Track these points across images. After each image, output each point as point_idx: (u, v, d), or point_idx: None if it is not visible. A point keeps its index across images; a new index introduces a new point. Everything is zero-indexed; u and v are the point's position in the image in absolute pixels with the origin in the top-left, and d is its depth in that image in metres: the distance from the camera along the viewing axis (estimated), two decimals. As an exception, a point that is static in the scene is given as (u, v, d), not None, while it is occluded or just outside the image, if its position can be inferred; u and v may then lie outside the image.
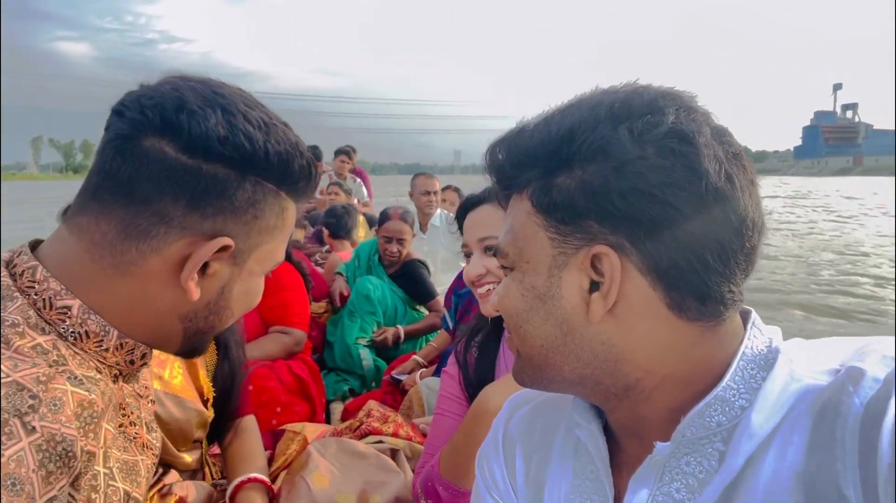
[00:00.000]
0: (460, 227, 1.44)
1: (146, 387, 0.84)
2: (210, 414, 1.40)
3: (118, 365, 0.71)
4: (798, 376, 0.57)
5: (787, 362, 0.58)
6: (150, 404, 0.85)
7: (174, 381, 1.30)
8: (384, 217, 3.31)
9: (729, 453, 0.57)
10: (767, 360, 0.59)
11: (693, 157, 0.56)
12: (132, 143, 0.66)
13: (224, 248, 0.69)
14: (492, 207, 1.33)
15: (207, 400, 1.40)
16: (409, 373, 2.72)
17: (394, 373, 2.77)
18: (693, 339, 0.59)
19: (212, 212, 0.68)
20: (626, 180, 0.56)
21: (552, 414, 0.77)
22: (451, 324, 2.80)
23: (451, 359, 1.46)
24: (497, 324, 1.41)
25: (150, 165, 0.65)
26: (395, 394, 2.61)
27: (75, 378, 0.64)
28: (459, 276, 2.84)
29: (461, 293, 2.74)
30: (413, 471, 1.52)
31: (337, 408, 2.81)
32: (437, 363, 2.73)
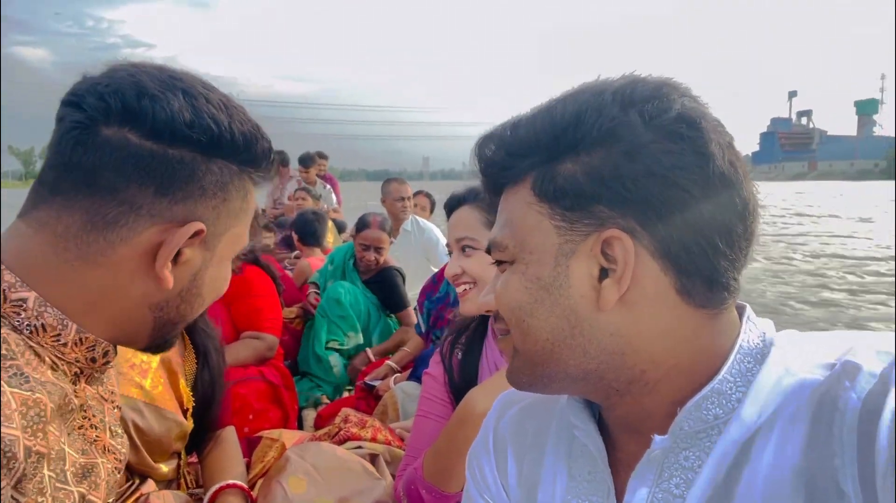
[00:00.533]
0: None
1: (112, 392, 0.82)
2: (190, 425, 1.37)
3: (78, 362, 0.69)
4: (793, 370, 0.57)
5: (781, 355, 0.58)
6: (115, 409, 0.82)
7: (155, 391, 1.27)
8: (363, 224, 3.28)
9: (719, 441, 0.57)
10: (762, 353, 0.59)
11: (700, 141, 0.56)
12: (92, 131, 0.64)
13: (196, 234, 0.68)
14: (469, 208, 1.36)
15: (187, 410, 1.37)
16: (383, 378, 2.71)
17: (367, 378, 2.76)
18: (697, 327, 0.59)
19: (181, 196, 0.67)
20: (638, 163, 0.55)
21: (543, 414, 0.76)
22: (423, 329, 2.81)
23: (434, 360, 1.46)
24: (481, 326, 1.42)
25: (113, 154, 0.64)
26: (369, 400, 2.60)
27: (21, 375, 0.61)
28: (430, 281, 2.85)
29: (434, 298, 2.75)
30: (393, 475, 1.52)
31: (309, 415, 2.79)
32: (410, 368, 2.73)
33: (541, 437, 0.75)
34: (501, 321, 0.67)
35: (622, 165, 0.56)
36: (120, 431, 0.82)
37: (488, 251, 0.68)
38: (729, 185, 0.57)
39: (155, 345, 0.76)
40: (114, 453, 0.79)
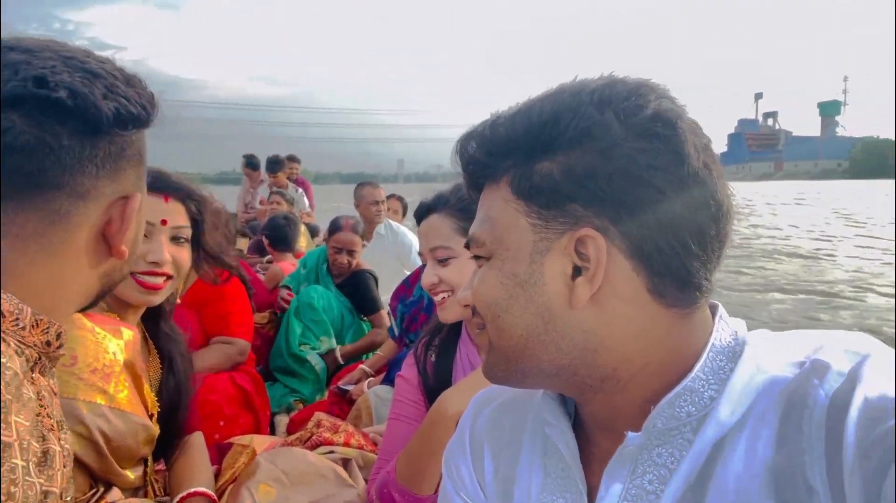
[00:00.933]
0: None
1: (56, 386, 0.83)
2: (157, 429, 1.35)
3: (36, 346, 0.70)
4: (764, 368, 0.58)
5: (753, 353, 0.60)
6: (59, 407, 0.83)
7: (120, 396, 1.25)
8: (335, 227, 3.26)
9: (695, 441, 0.58)
10: (734, 351, 0.60)
11: (675, 141, 0.57)
12: (25, 135, 0.65)
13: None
14: (439, 216, 1.34)
15: (152, 415, 1.35)
16: (356, 382, 2.70)
17: (341, 383, 2.74)
18: (668, 327, 0.60)
19: (115, 173, 0.72)
20: (613, 163, 0.56)
21: (519, 411, 0.77)
22: (396, 332, 2.80)
23: (407, 363, 1.46)
24: (455, 327, 1.42)
25: (52, 153, 0.66)
26: (342, 405, 2.58)
27: None
28: (403, 284, 2.85)
29: (407, 302, 2.74)
30: (366, 479, 1.52)
31: (282, 421, 2.76)
32: (384, 372, 2.72)
33: (517, 434, 0.75)
34: (478, 316, 0.67)
35: (597, 164, 0.57)
36: (65, 427, 0.82)
37: (467, 247, 0.69)
38: (703, 186, 0.58)
39: (94, 305, 0.80)
40: (61, 449, 0.79)
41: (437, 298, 1.34)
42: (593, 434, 0.68)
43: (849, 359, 0.55)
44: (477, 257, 0.67)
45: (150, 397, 1.36)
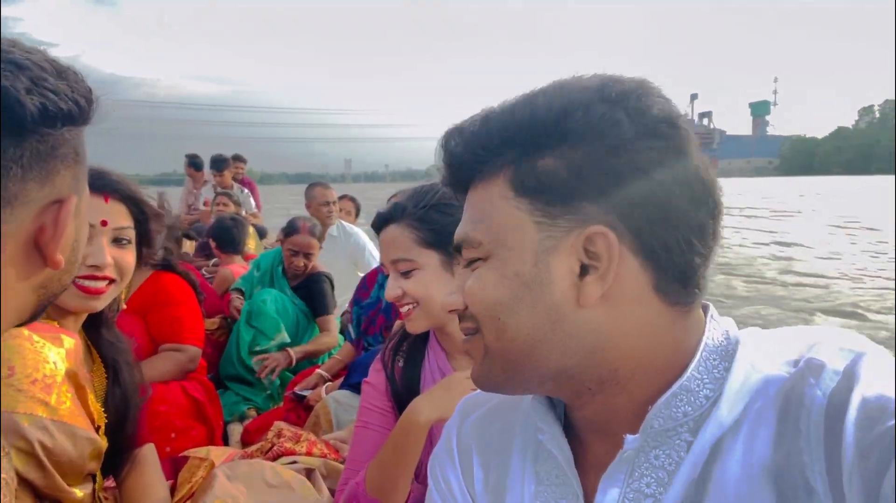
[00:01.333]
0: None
1: None
2: (105, 442, 1.27)
3: None
4: (759, 367, 0.58)
5: (746, 353, 0.59)
6: None
7: (62, 407, 1.17)
8: (292, 229, 3.17)
9: (695, 442, 0.57)
10: (727, 350, 0.60)
11: (678, 140, 0.57)
12: None
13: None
14: (398, 227, 1.30)
15: (99, 427, 1.27)
16: (314, 387, 2.63)
17: (297, 388, 2.67)
18: (669, 325, 0.59)
19: (46, 175, 0.66)
20: (623, 161, 0.56)
21: (507, 418, 0.75)
22: (353, 336, 2.75)
23: (374, 368, 1.42)
24: (422, 333, 1.39)
25: None
26: (299, 411, 2.52)
27: None
28: (359, 287, 2.80)
29: (363, 304, 2.70)
30: (330, 489, 1.47)
31: (235, 430, 2.67)
32: (342, 376, 2.66)
33: (506, 441, 0.74)
34: (469, 320, 0.64)
35: (606, 162, 0.56)
36: (2, 455, 0.76)
37: (458, 250, 0.66)
38: (703, 183, 0.58)
39: (32, 320, 0.74)
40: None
41: (402, 310, 1.32)
42: (586, 438, 0.67)
43: (843, 357, 0.55)
44: (470, 261, 0.64)
45: (96, 408, 1.28)
